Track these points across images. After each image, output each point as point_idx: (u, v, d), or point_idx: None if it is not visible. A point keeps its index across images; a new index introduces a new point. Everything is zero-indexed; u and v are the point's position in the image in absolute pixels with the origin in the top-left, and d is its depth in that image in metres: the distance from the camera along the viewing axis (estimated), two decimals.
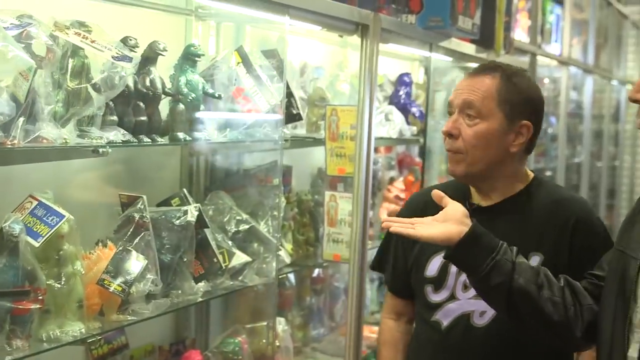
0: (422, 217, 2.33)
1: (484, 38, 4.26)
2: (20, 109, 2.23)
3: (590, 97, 8.06)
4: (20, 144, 2.21)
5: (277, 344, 3.39)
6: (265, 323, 3.37)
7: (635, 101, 1.99)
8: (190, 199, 2.98)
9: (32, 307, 2.26)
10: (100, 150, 2.42)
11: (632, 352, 1.93)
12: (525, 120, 2.45)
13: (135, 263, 2.57)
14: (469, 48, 4.26)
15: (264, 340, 3.34)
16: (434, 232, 2.17)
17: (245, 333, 3.31)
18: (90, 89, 2.44)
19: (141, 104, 2.68)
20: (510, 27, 4.76)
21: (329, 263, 3.65)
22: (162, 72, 2.81)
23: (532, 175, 2.60)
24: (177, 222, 2.81)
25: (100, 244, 2.64)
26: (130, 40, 2.56)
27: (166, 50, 2.72)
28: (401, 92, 4.21)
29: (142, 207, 2.71)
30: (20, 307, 2.24)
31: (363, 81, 3.24)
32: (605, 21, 8.87)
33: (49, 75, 2.35)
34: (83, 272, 2.47)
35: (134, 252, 2.59)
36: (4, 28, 2.19)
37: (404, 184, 4.44)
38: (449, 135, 2.46)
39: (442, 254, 2.36)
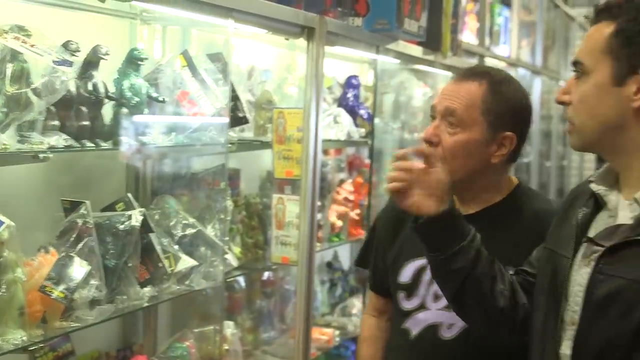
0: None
1: (431, 40, 4.26)
2: None
3: (539, 98, 8.12)
4: None
5: (226, 347, 3.37)
6: (213, 327, 3.34)
7: (561, 103, 2.00)
8: (135, 204, 2.94)
9: None
10: (41, 155, 2.38)
11: (564, 349, 1.94)
12: (508, 132, 2.36)
13: (78, 269, 2.54)
14: (416, 50, 4.26)
15: (212, 345, 3.31)
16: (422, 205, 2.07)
17: (193, 337, 3.27)
18: (30, 94, 2.40)
19: (84, 108, 2.65)
20: (457, 30, 4.77)
21: (278, 266, 3.62)
22: (107, 76, 2.78)
23: (515, 184, 2.52)
24: (122, 227, 2.78)
25: (42, 250, 2.60)
26: (72, 44, 2.52)
27: (108, 54, 2.69)
28: (349, 95, 4.21)
29: (85, 212, 2.67)
30: None
31: (309, 84, 3.23)
32: (553, 23, 8.95)
33: None
34: (24, 279, 2.42)
35: (76, 258, 2.56)
36: None
37: (353, 185, 4.42)
38: (429, 142, 2.36)
39: (417, 261, 2.43)
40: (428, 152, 2.16)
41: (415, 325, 2.46)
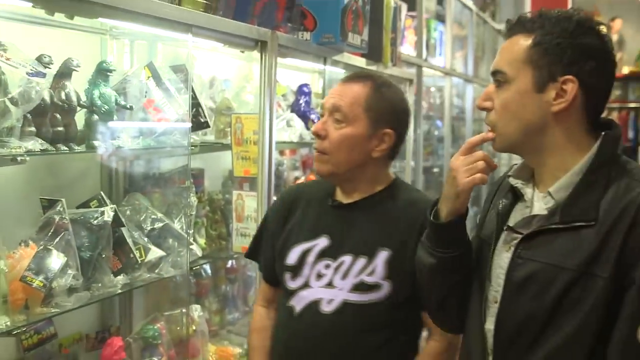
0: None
1: (373, 52, 4.26)
2: None
3: (471, 103, 8.16)
4: None
5: (194, 328, 3.35)
6: (181, 310, 3.32)
7: (482, 109, 1.99)
8: (108, 201, 2.90)
9: None
10: (19, 158, 2.34)
11: (488, 325, 1.97)
12: (388, 129, 2.38)
13: (56, 260, 2.51)
14: (360, 61, 4.25)
15: (181, 326, 3.29)
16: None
17: (164, 320, 3.26)
18: (8, 103, 2.36)
19: (58, 115, 2.60)
20: (396, 43, 4.78)
21: (239, 255, 3.59)
22: (79, 86, 2.74)
23: (392, 178, 2.51)
24: (95, 222, 2.75)
25: (22, 244, 2.56)
26: (45, 57, 2.49)
27: (79, 66, 2.65)
28: (301, 101, 4.19)
29: (62, 209, 2.64)
30: None
31: (263, 91, 3.21)
32: (483, 37, 9.02)
33: None
34: (6, 270, 2.40)
35: (54, 251, 2.53)
36: None
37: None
38: (317, 135, 2.40)
39: (303, 245, 2.42)
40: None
41: (298, 302, 2.40)
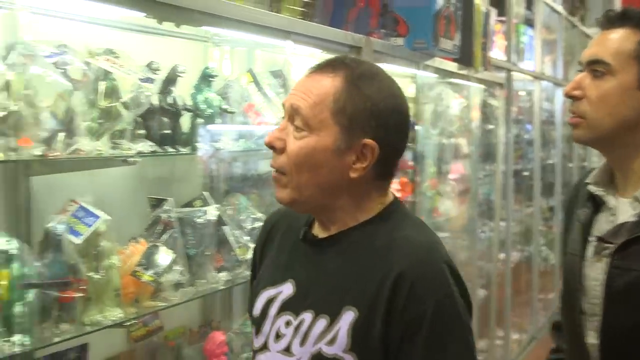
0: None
1: (464, 57, 4.26)
2: (60, 125, 2.25)
3: (561, 106, 8.04)
4: (61, 155, 2.23)
5: None
6: None
7: (570, 97, 1.93)
8: (211, 201, 2.98)
9: (75, 295, 2.28)
10: (130, 159, 2.44)
11: (590, 340, 1.90)
12: (368, 139, 1.58)
13: (164, 257, 2.58)
14: (452, 66, 4.25)
15: None
16: None
17: None
18: (120, 107, 2.45)
19: (165, 119, 2.69)
20: (487, 47, 4.76)
21: None
22: (184, 91, 2.83)
23: (386, 204, 1.69)
24: (200, 220, 2.82)
25: (133, 240, 2.65)
26: (154, 64, 2.57)
27: (185, 73, 2.74)
28: None
29: (169, 208, 2.72)
30: (65, 295, 2.26)
31: None
32: (572, 41, 8.84)
33: (84, 96, 2.37)
34: (119, 265, 2.48)
35: (162, 247, 2.61)
36: (44, 56, 2.20)
37: (400, 184, 4.42)
38: (270, 147, 1.64)
39: (268, 291, 1.71)
40: None
41: None
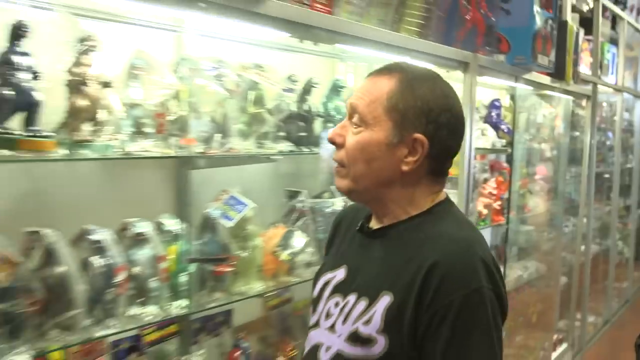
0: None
1: (558, 71, 4.12)
2: (217, 128, 2.31)
3: (639, 116, 7.72)
4: (217, 152, 2.29)
5: None
6: None
7: None
8: (337, 194, 3.00)
9: (227, 270, 2.34)
10: (273, 157, 2.48)
11: None
12: (418, 134, 1.49)
13: (299, 240, 2.62)
14: (546, 79, 4.13)
15: None
16: None
17: None
18: (265, 113, 2.50)
19: (301, 123, 2.73)
20: (577, 63, 4.60)
21: None
22: (317, 99, 2.85)
23: (437, 201, 1.57)
24: (328, 210, 2.85)
25: (273, 225, 2.69)
26: (293, 77, 2.61)
27: (318, 84, 2.76)
28: (493, 113, 4.13)
29: (303, 198, 2.76)
30: (219, 269, 2.32)
31: (464, 105, 3.19)
32: None
33: (236, 103, 2.42)
34: (262, 246, 2.53)
35: (298, 231, 2.65)
36: (206, 70, 2.27)
37: (496, 183, 4.34)
38: (332, 142, 1.57)
39: (326, 275, 1.65)
40: None
41: (307, 343, 1.66)
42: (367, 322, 1.48)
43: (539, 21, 3.59)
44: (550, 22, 3.75)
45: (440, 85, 1.55)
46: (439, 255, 1.42)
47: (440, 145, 1.51)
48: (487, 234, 4.88)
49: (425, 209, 1.54)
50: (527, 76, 3.84)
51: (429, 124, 1.49)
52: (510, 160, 4.32)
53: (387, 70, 1.55)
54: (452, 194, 3.30)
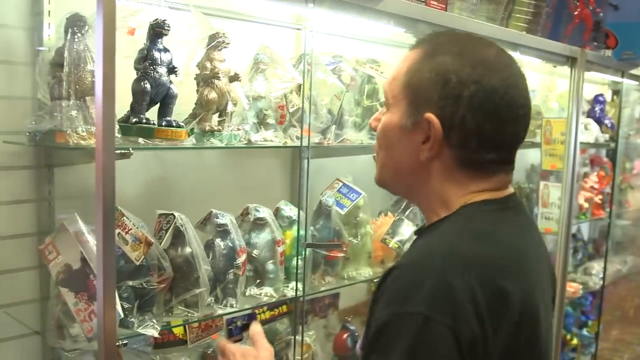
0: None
1: None
2: (333, 120, 2.29)
3: None
4: (332, 143, 2.28)
5: None
6: None
7: None
8: None
9: (339, 255, 2.34)
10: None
11: None
12: (429, 113, 1.12)
13: (407, 228, 2.58)
14: None
15: None
16: None
17: None
18: (378, 106, 2.46)
19: None
20: None
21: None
22: None
23: (468, 202, 1.16)
24: None
25: (382, 214, 2.67)
26: None
27: None
28: (597, 108, 3.95)
29: None
30: (332, 254, 2.32)
31: (571, 100, 3.07)
32: None
33: (352, 97, 2.40)
34: (372, 233, 2.51)
35: (406, 220, 2.61)
36: (325, 64, 2.26)
37: (598, 177, 4.17)
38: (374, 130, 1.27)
39: None
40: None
41: None
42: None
43: None
44: None
45: (477, 52, 1.13)
46: (401, 261, 1.11)
47: (463, 127, 1.11)
48: (585, 226, 4.70)
49: (452, 211, 1.16)
50: (634, 71, 3.65)
51: (442, 99, 1.11)
52: (612, 155, 4.13)
53: (419, 40, 1.21)
54: (556, 187, 3.20)
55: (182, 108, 1.87)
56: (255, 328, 1.47)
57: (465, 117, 1.10)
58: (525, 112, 1.15)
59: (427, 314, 0.99)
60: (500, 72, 1.12)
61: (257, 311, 2.38)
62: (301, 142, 2.12)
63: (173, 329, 2.08)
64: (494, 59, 1.13)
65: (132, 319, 1.76)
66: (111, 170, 1.40)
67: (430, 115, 1.11)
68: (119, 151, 1.47)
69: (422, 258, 1.08)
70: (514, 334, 1.05)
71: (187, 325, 2.12)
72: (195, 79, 1.91)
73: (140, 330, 1.76)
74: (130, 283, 1.76)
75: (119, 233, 1.72)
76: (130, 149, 1.56)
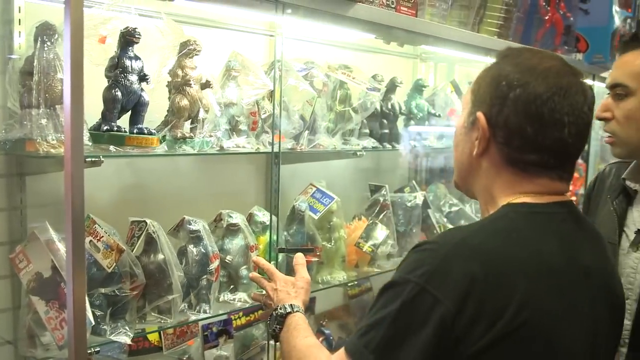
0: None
1: None
2: (306, 125, 2.31)
3: None
4: (305, 148, 2.30)
5: None
6: None
7: (602, 119, 1.73)
8: (418, 188, 2.97)
9: (313, 259, 2.35)
10: (358, 153, 2.47)
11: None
12: (480, 111, 1.23)
13: (381, 232, 2.60)
14: None
15: None
16: None
17: None
18: (351, 111, 2.49)
19: (385, 121, 2.71)
20: None
21: None
22: (399, 98, 2.83)
23: (511, 202, 1.23)
24: (409, 204, 2.82)
25: (356, 218, 2.69)
26: (378, 76, 2.59)
27: (402, 83, 2.74)
28: None
29: (385, 193, 2.74)
30: (306, 259, 2.32)
31: None
32: None
33: (324, 102, 2.42)
34: (345, 237, 2.53)
35: (379, 224, 2.63)
36: (297, 70, 2.27)
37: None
38: None
39: None
40: None
41: None
42: None
43: (617, 20, 3.47)
44: (629, 21, 3.61)
45: (532, 62, 1.22)
46: (426, 241, 1.20)
47: (507, 126, 1.20)
48: None
49: (496, 209, 1.23)
50: (605, 74, 3.71)
51: (494, 99, 1.22)
52: (586, 156, 4.19)
53: (496, 55, 1.32)
54: None
55: (154, 115, 1.88)
56: (299, 260, 1.73)
57: (509, 117, 1.20)
58: (574, 120, 1.20)
59: (424, 286, 1.10)
60: (548, 80, 1.20)
61: (232, 317, 2.39)
62: (272, 147, 2.14)
63: (148, 336, 2.08)
64: (547, 69, 1.21)
65: (104, 327, 1.76)
66: (80, 179, 1.40)
67: (479, 113, 1.23)
68: (89, 159, 1.47)
69: (440, 242, 1.17)
70: (506, 334, 1.09)
71: (162, 332, 2.12)
72: (167, 86, 1.92)
73: (113, 338, 1.76)
74: (103, 290, 1.77)
75: (90, 241, 1.73)
76: (101, 156, 1.56)
